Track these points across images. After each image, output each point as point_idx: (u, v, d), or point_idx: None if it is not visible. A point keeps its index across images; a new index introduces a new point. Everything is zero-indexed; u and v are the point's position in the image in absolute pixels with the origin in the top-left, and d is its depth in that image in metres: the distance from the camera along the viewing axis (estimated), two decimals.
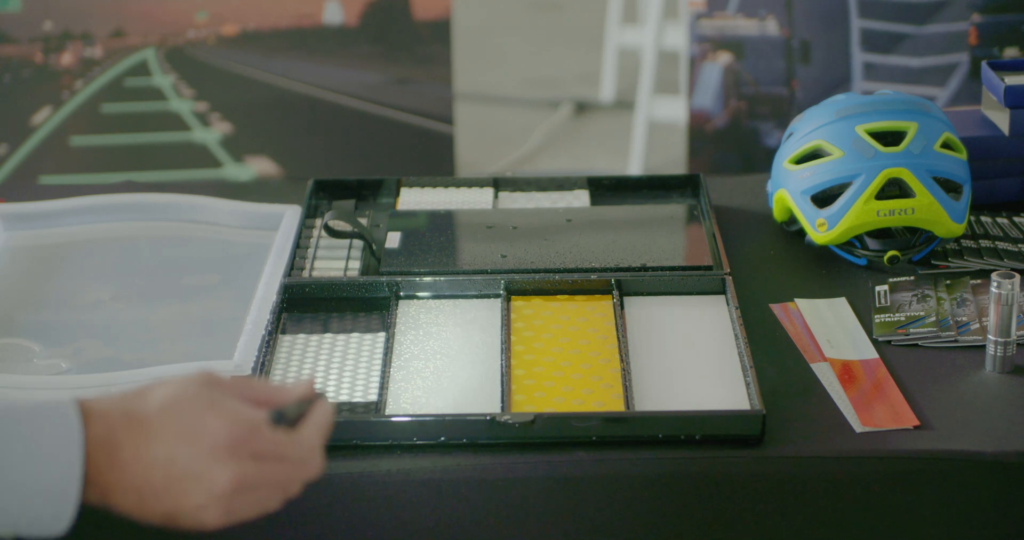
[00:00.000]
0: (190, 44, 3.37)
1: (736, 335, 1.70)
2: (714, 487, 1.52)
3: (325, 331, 1.74)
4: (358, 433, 1.54)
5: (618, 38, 4.47)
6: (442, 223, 1.97)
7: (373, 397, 1.62)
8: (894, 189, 1.86)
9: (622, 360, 1.65)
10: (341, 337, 1.73)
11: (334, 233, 1.92)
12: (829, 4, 3.34)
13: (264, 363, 1.66)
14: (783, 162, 1.92)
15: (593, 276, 1.81)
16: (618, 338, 1.70)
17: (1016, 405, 1.60)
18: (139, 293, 1.88)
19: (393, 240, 1.91)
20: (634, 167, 3.97)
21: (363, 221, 1.95)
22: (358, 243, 1.92)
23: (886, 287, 1.82)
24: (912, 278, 1.84)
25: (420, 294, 1.80)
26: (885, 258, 1.85)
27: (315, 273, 1.85)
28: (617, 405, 1.59)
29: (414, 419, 1.54)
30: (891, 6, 3.33)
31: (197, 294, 1.87)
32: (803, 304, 1.80)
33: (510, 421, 1.53)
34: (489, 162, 4.26)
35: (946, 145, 1.89)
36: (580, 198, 2.08)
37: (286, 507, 1.50)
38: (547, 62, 4.97)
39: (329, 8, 3.38)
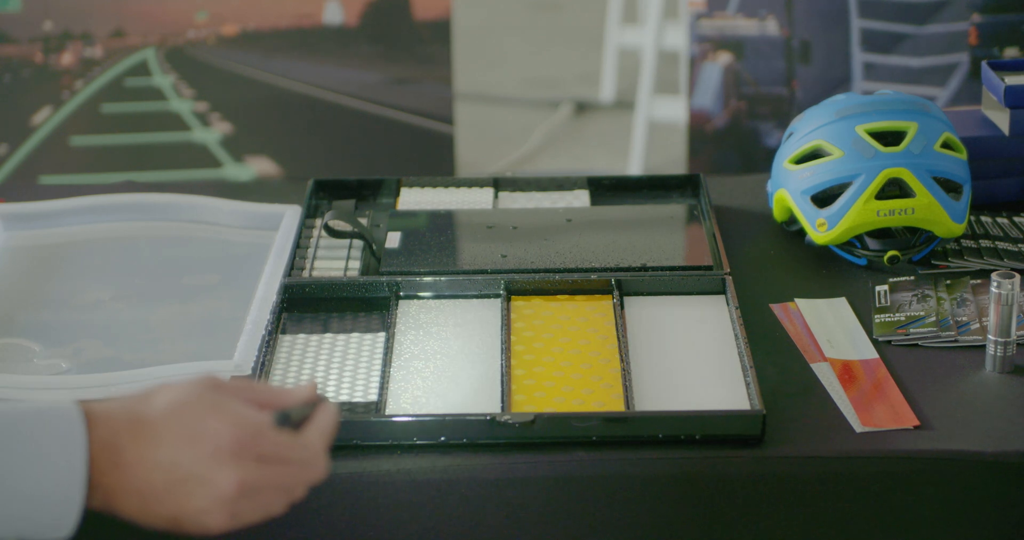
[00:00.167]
0: (190, 44, 3.37)
1: (736, 335, 1.70)
2: (714, 487, 1.52)
3: (325, 331, 1.74)
4: (358, 433, 1.54)
5: (618, 38, 4.47)
6: (442, 223, 1.97)
7: (373, 397, 1.62)
8: (894, 189, 1.86)
9: (622, 360, 1.65)
10: (341, 337, 1.73)
11: (334, 233, 1.92)
12: (829, 4, 3.34)
13: (264, 363, 1.66)
14: (783, 162, 1.92)
15: (593, 276, 1.81)
16: (618, 338, 1.70)
17: (1016, 405, 1.60)
18: (139, 293, 1.88)
19: (393, 240, 1.91)
20: (634, 167, 3.97)
21: (363, 221, 1.95)
22: (358, 243, 1.92)
23: (886, 287, 1.82)
24: (912, 278, 1.84)
25: (420, 294, 1.80)
26: (885, 258, 1.85)
27: (315, 273, 1.85)
28: (617, 405, 1.59)
29: (414, 419, 1.54)
30: (891, 6, 3.32)
31: (197, 294, 1.87)
32: (803, 304, 1.80)
33: (510, 421, 1.53)
34: (489, 162, 4.26)
35: (946, 145, 1.89)
36: (580, 198, 2.08)
37: (290, 507, 1.50)
38: (547, 62, 4.97)
39: (329, 8, 3.38)
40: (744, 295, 1.79)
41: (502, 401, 1.59)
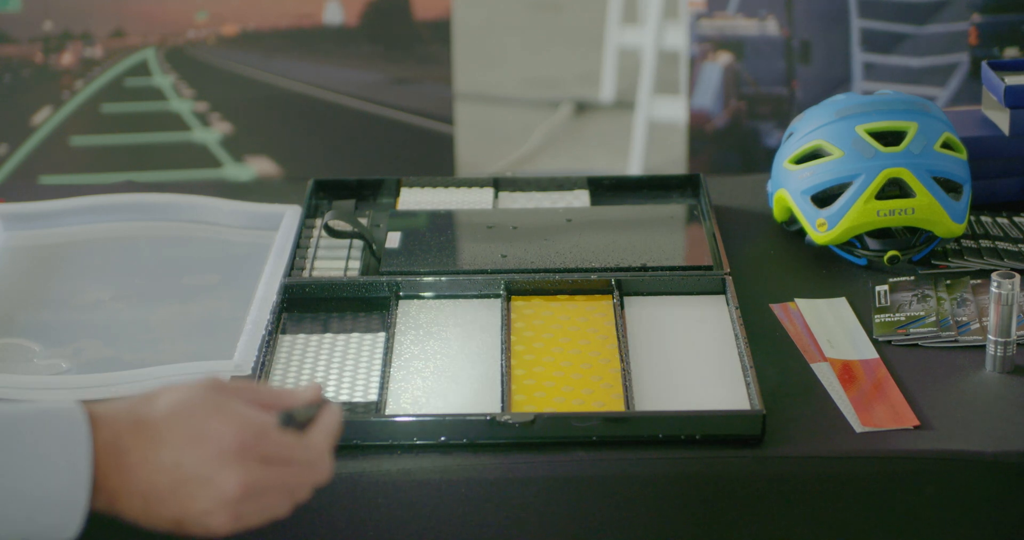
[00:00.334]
0: (190, 44, 3.37)
1: (736, 335, 1.70)
2: (714, 487, 1.52)
3: (325, 331, 1.74)
4: (358, 433, 1.54)
5: (618, 38, 4.47)
6: (442, 223, 1.97)
7: (373, 397, 1.62)
8: (894, 189, 1.86)
9: (622, 360, 1.65)
10: (341, 337, 1.73)
11: (334, 233, 1.92)
12: (829, 4, 3.34)
13: (264, 363, 1.66)
14: (783, 162, 1.92)
15: (593, 276, 1.81)
16: (618, 338, 1.70)
17: (1016, 405, 1.60)
18: (139, 293, 1.88)
19: (393, 240, 1.91)
20: (634, 167, 3.97)
21: (363, 221, 1.95)
22: (358, 243, 1.92)
23: (886, 287, 1.82)
24: (912, 278, 1.84)
25: (420, 294, 1.80)
26: (885, 258, 1.85)
27: (315, 273, 1.85)
28: (617, 405, 1.59)
29: (414, 419, 1.54)
30: (891, 6, 3.33)
31: (197, 294, 1.87)
32: (803, 304, 1.80)
33: (510, 421, 1.53)
34: (489, 162, 4.26)
35: (946, 145, 1.89)
36: (580, 198, 2.08)
37: (294, 509, 1.50)
38: (547, 62, 4.97)
39: (329, 8, 3.38)
40: (744, 295, 1.79)
41: (502, 401, 1.59)
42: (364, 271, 1.87)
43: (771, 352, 1.69)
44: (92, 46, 3.33)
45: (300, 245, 1.90)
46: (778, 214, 1.97)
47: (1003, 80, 2.01)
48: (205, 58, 3.38)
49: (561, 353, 1.69)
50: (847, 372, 1.66)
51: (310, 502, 1.50)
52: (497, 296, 1.80)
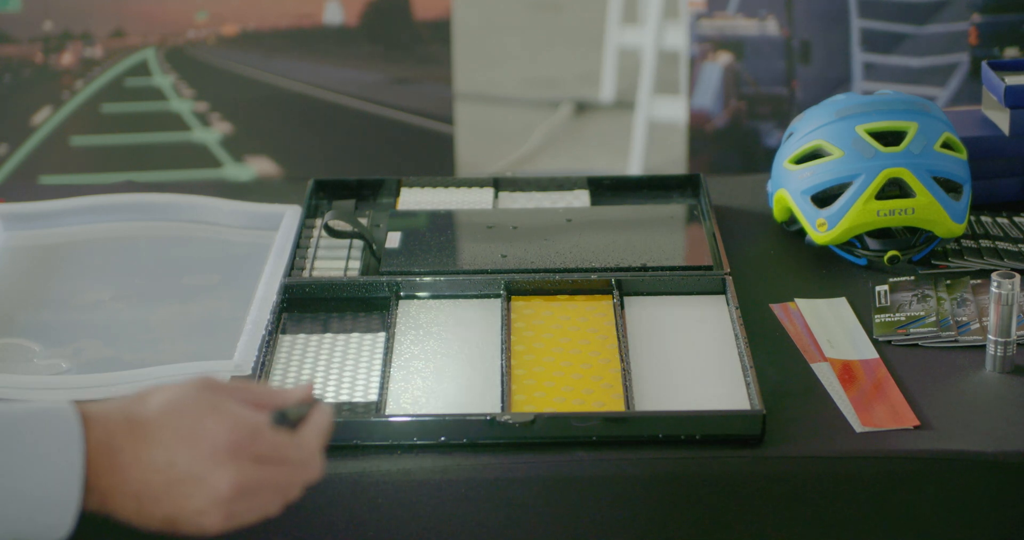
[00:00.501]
0: (190, 44, 3.37)
1: (736, 335, 1.70)
2: (714, 487, 1.52)
3: (325, 331, 1.74)
4: (358, 433, 1.54)
5: (618, 38, 4.47)
6: (442, 223, 1.97)
7: (373, 397, 1.62)
8: (894, 189, 1.86)
9: (622, 360, 1.65)
10: (341, 337, 1.73)
11: (334, 233, 1.92)
12: (829, 4, 3.34)
13: (264, 363, 1.66)
14: (783, 162, 1.92)
15: (593, 276, 1.81)
16: (618, 338, 1.70)
17: (1016, 405, 1.60)
18: (139, 293, 1.88)
19: (393, 240, 1.91)
20: (634, 167, 3.97)
21: (363, 221, 1.95)
22: (358, 243, 1.92)
23: (886, 287, 1.82)
24: (912, 278, 1.84)
25: (420, 294, 1.80)
26: (885, 258, 1.85)
27: (315, 273, 1.85)
28: (617, 405, 1.59)
29: (414, 419, 1.54)
30: (891, 6, 3.33)
31: (197, 294, 1.87)
32: (803, 304, 1.80)
33: (510, 421, 1.53)
34: (489, 162, 4.26)
35: (946, 145, 1.89)
36: (580, 198, 2.08)
37: (286, 507, 1.50)
38: (547, 62, 4.97)
39: (329, 8, 3.38)
40: (744, 295, 1.79)
41: (502, 401, 1.59)
42: (364, 271, 1.87)
43: (771, 352, 1.69)
44: (92, 46, 3.33)
45: (300, 245, 1.90)
46: (778, 214, 1.97)
47: (1003, 80, 2.01)
48: (205, 58, 3.38)
49: (561, 353, 1.69)
50: (847, 372, 1.66)
51: (311, 502, 1.50)
52: (497, 296, 1.80)
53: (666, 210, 2.03)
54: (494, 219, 1.99)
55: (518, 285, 1.80)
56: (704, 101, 3.44)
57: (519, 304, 1.78)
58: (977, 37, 3.32)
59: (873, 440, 1.54)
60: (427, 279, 1.81)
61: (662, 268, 1.83)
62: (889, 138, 1.87)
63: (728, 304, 1.77)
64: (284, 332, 1.74)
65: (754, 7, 3.36)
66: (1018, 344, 1.67)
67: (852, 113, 1.88)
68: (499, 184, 2.11)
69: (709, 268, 1.83)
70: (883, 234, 1.88)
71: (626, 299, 1.79)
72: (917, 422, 1.57)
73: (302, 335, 1.74)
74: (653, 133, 3.97)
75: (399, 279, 1.80)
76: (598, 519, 1.52)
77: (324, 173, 2.62)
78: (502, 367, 1.65)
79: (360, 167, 3.44)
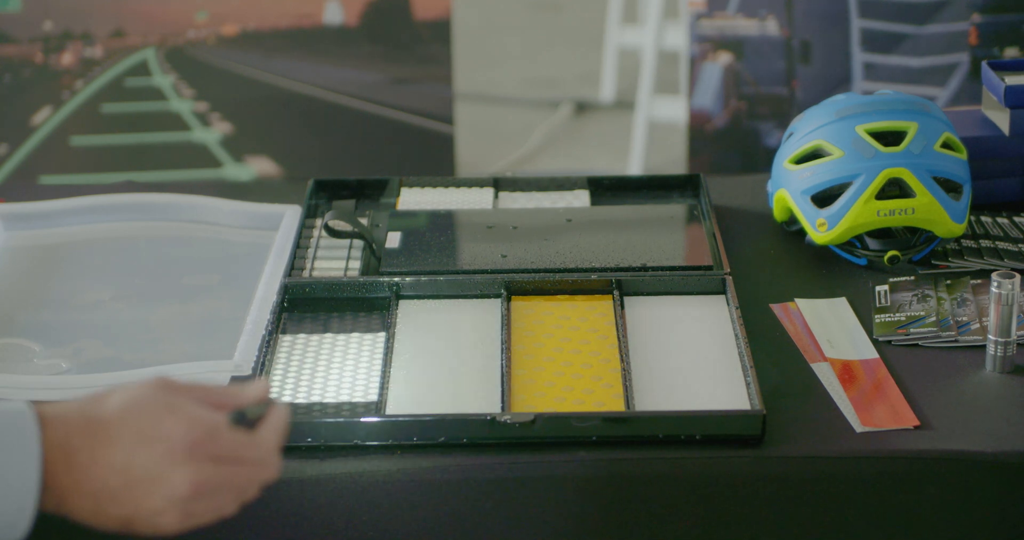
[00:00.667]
0: (190, 44, 3.37)
1: (736, 335, 1.70)
2: (714, 487, 1.52)
3: (325, 331, 1.74)
4: (358, 433, 1.54)
5: (618, 38, 4.47)
6: (442, 223, 1.97)
7: (373, 397, 1.62)
8: (894, 189, 1.86)
9: (622, 360, 1.65)
10: (341, 337, 1.73)
11: (334, 233, 1.92)
12: (829, 4, 3.34)
13: (264, 363, 1.66)
14: (783, 162, 1.92)
15: (593, 276, 1.81)
16: (618, 338, 1.70)
17: (1016, 405, 1.60)
18: (139, 293, 1.88)
19: (393, 240, 1.91)
20: (634, 167, 3.97)
21: (363, 221, 1.95)
22: (358, 243, 1.92)
23: (886, 287, 1.82)
24: (912, 278, 1.84)
25: (420, 294, 1.80)
26: (885, 258, 1.85)
27: (315, 273, 1.85)
28: (617, 405, 1.59)
29: (414, 419, 1.54)
30: (891, 6, 3.33)
31: (197, 294, 1.87)
32: (803, 304, 1.80)
33: (510, 421, 1.53)
34: (489, 162, 4.26)
35: (946, 145, 1.89)
36: (580, 198, 2.08)
37: (286, 507, 1.50)
38: (547, 62, 4.97)
39: (329, 8, 3.38)
40: (744, 295, 1.79)
41: (502, 401, 1.59)
42: (364, 271, 1.87)
43: (771, 352, 1.69)
44: (92, 46, 3.33)
45: (300, 245, 1.90)
46: (778, 214, 1.97)
47: (1003, 80, 2.01)
48: (205, 58, 3.38)
49: (561, 353, 1.69)
50: (847, 372, 1.66)
51: (310, 502, 1.50)
52: (497, 296, 1.80)
53: (666, 210, 2.03)
54: (494, 219, 1.98)
55: (518, 285, 1.80)
56: (704, 101, 3.44)
57: (519, 304, 1.78)
58: (977, 37, 3.32)
59: (873, 440, 1.54)
60: (427, 279, 1.81)
61: (662, 268, 1.83)
62: (889, 138, 1.87)
63: (728, 304, 1.77)
64: (284, 332, 1.74)
65: (754, 7, 3.36)
66: (1018, 344, 1.67)
67: (852, 113, 1.88)
68: (499, 184, 2.11)
69: (709, 268, 1.83)
70: (883, 234, 1.88)
71: (626, 299, 1.79)
72: (917, 422, 1.57)
73: (302, 335, 1.74)
74: (653, 133, 3.97)
75: (399, 279, 1.80)
76: (598, 519, 1.52)
77: (324, 173, 2.61)
78: (502, 367, 1.65)
79: (360, 167, 3.43)
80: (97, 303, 1.85)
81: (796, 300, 1.80)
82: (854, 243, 1.89)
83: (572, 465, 1.52)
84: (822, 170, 1.87)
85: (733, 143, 3.45)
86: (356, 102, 3.45)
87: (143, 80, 3.38)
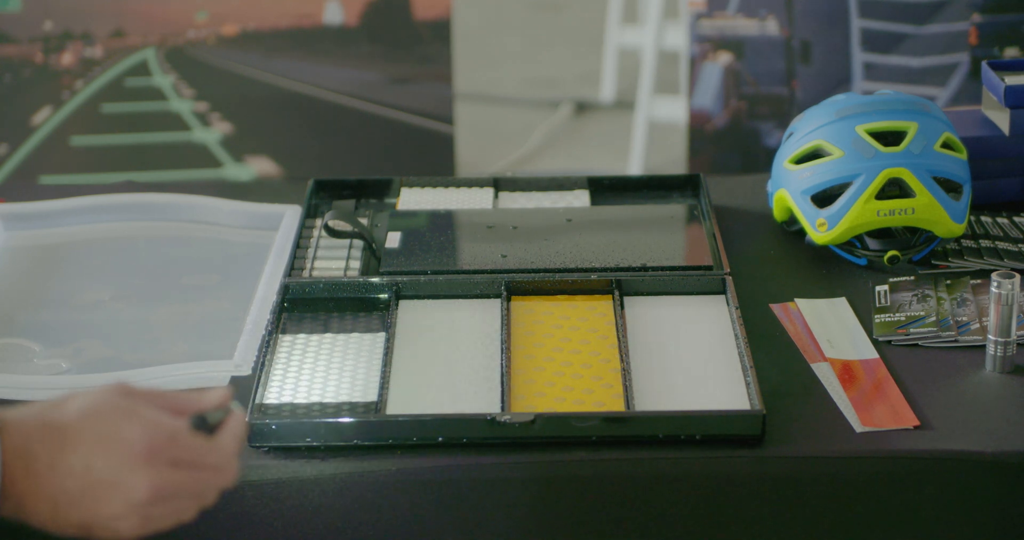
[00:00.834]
0: (190, 44, 3.37)
1: (736, 335, 1.70)
2: (714, 487, 1.52)
3: (325, 331, 1.74)
4: (358, 433, 1.54)
5: (618, 38, 4.47)
6: (442, 223, 1.97)
7: (373, 397, 1.62)
8: (894, 189, 1.86)
9: (622, 360, 1.65)
10: (341, 337, 1.73)
11: (334, 233, 1.92)
12: (829, 4, 3.34)
13: (264, 363, 1.66)
14: (783, 162, 1.92)
15: (593, 276, 1.81)
16: (618, 338, 1.70)
17: (1016, 405, 1.60)
18: (139, 293, 1.88)
19: (393, 240, 1.91)
20: (634, 167, 3.97)
21: (363, 221, 1.95)
22: (358, 243, 1.92)
23: (886, 287, 1.82)
24: (912, 278, 1.84)
25: (420, 294, 1.80)
26: (885, 258, 1.85)
27: (315, 273, 1.85)
28: (617, 405, 1.59)
29: (414, 419, 1.54)
30: (891, 6, 3.32)
31: (197, 294, 1.87)
32: (803, 304, 1.80)
33: (510, 421, 1.53)
34: (489, 162, 4.26)
35: (946, 145, 1.89)
36: (580, 198, 2.08)
37: (286, 507, 1.50)
38: (547, 62, 4.97)
39: (329, 8, 3.38)
40: (744, 295, 1.79)
41: (502, 401, 1.59)
42: (364, 271, 1.87)
43: (771, 352, 1.69)
44: (92, 46, 3.33)
45: (300, 245, 1.90)
46: (778, 214, 1.97)
47: (1003, 80, 2.01)
48: (205, 58, 3.38)
49: (561, 353, 1.69)
50: (847, 372, 1.66)
51: (310, 501, 1.50)
52: (497, 296, 1.80)
53: (666, 210, 2.03)
54: (494, 219, 1.98)
55: (518, 285, 1.80)
56: (704, 101, 3.44)
57: (519, 304, 1.78)
58: (977, 37, 3.32)
59: (873, 440, 1.54)
60: (427, 279, 1.81)
61: (662, 268, 1.83)
62: (889, 138, 1.87)
63: (728, 304, 1.77)
64: (284, 332, 1.74)
65: (754, 7, 3.36)
66: (1018, 344, 1.67)
67: (852, 113, 1.88)
68: (499, 184, 2.11)
69: (709, 268, 1.83)
70: (883, 234, 1.88)
71: (626, 299, 1.79)
72: (917, 422, 1.57)
73: (302, 335, 1.74)
74: (653, 133, 3.97)
75: (399, 279, 1.80)
76: (598, 519, 1.52)
77: (324, 173, 2.61)
78: (502, 367, 1.65)
79: (360, 167, 3.43)
80: (97, 303, 1.85)
81: (796, 300, 1.80)
82: (854, 243, 1.89)
83: (572, 465, 1.52)
84: (822, 170, 1.87)
85: (733, 143, 3.45)
86: (356, 102, 3.45)
87: (143, 80, 3.38)
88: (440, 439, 1.54)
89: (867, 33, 3.35)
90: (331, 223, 1.93)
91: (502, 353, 1.67)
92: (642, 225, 1.96)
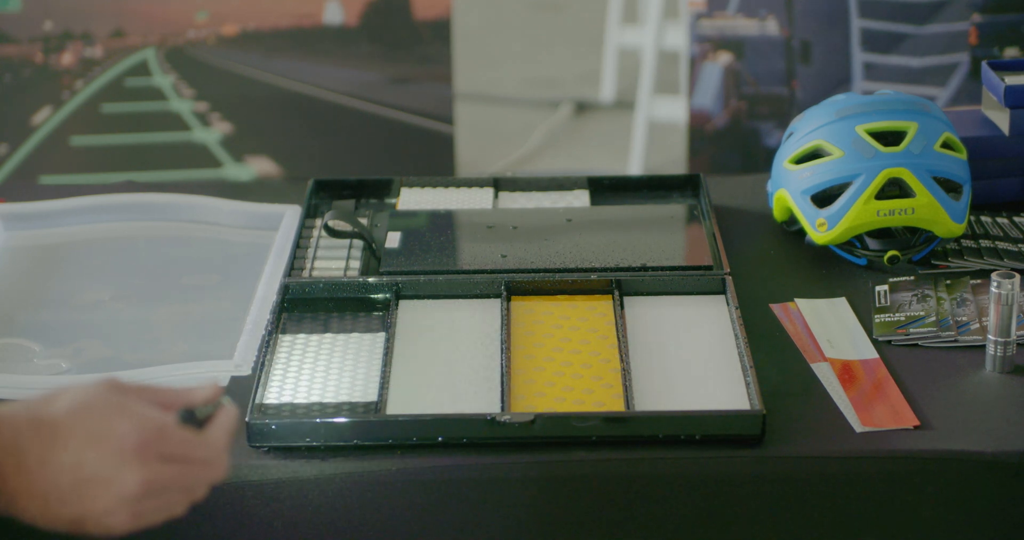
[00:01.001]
0: (190, 44, 3.37)
1: (736, 335, 1.70)
2: (714, 487, 1.52)
3: (325, 331, 1.74)
4: (358, 433, 1.54)
5: (618, 38, 4.47)
6: (442, 223, 1.97)
7: (373, 397, 1.62)
8: (894, 189, 1.86)
9: (622, 360, 1.65)
10: (341, 337, 1.73)
11: (334, 233, 1.92)
12: (829, 4, 3.34)
13: (264, 363, 1.66)
14: (783, 162, 1.92)
15: (593, 276, 1.81)
16: (618, 338, 1.70)
17: (1016, 405, 1.60)
18: (139, 293, 1.88)
19: (393, 240, 1.91)
20: (634, 167, 3.97)
21: (363, 221, 1.95)
22: (358, 243, 1.92)
23: (886, 287, 1.82)
24: (912, 278, 1.84)
25: (420, 294, 1.80)
26: (885, 258, 1.85)
27: (315, 273, 1.85)
28: (617, 405, 1.59)
29: (414, 419, 1.54)
30: (891, 6, 3.32)
31: (197, 294, 1.87)
32: (803, 304, 1.80)
33: (510, 421, 1.53)
34: (489, 162, 4.26)
35: (946, 145, 1.89)
36: (580, 198, 2.08)
37: (286, 507, 1.50)
38: (547, 62, 4.97)
39: (329, 8, 3.38)
40: (744, 295, 1.79)
41: (502, 401, 1.59)
42: (364, 271, 1.87)
43: (771, 352, 1.69)
44: (92, 46, 3.33)
45: (300, 245, 1.90)
46: (778, 214, 1.97)
47: (1003, 80, 2.01)
48: (205, 58, 3.38)
49: (561, 353, 1.69)
50: (847, 372, 1.66)
51: (310, 501, 1.50)
52: (497, 296, 1.80)
53: (666, 210, 2.03)
54: (494, 219, 1.98)
55: (518, 285, 1.80)
56: (704, 101, 3.44)
57: (519, 304, 1.78)
58: (977, 37, 3.32)
59: (873, 440, 1.54)
60: (427, 279, 1.81)
61: (662, 268, 1.83)
62: (889, 138, 1.87)
63: (728, 304, 1.77)
64: (284, 332, 1.74)
65: (754, 7, 3.36)
66: (1018, 344, 1.67)
67: (852, 113, 1.88)
68: (499, 184, 2.11)
69: (709, 268, 1.83)
70: (883, 234, 1.88)
71: (626, 299, 1.79)
72: (917, 422, 1.57)
73: (302, 335, 1.74)
74: (653, 133, 3.97)
75: (399, 279, 1.80)
76: (598, 519, 1.52)
77: (324, 173, 2.61)
78: (502, 367, 1.65)
79: (360, 167, 3.43)
80: (97, 303, 1.85)
81: (796, 300, 1.80)
82: (854, 243, 1.89)
83: (572, 465, 1.52)
84: (822, 170, 1.87)
85: (733, 143, 3.45)
86: (356, 102, 3.45)
87: (143, 80, 3.38)
88: (440, 439, 1.54)
89: (867, 33, 3.35)
90: (331, 223, 1.93)
91: (502, 353, 1.67)
92: (642, 225, 1.96)
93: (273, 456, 1.53)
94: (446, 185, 2.10)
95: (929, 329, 1.73)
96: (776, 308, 1.79)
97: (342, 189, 2.07)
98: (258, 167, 3.43)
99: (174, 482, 1.23)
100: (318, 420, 1.54)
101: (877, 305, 1.79)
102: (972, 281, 1.82)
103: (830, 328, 1.74)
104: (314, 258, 1.88)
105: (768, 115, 3.43)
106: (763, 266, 1.91)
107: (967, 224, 1.94)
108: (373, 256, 1.90)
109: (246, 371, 1.67)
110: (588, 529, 1.52)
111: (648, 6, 4.07)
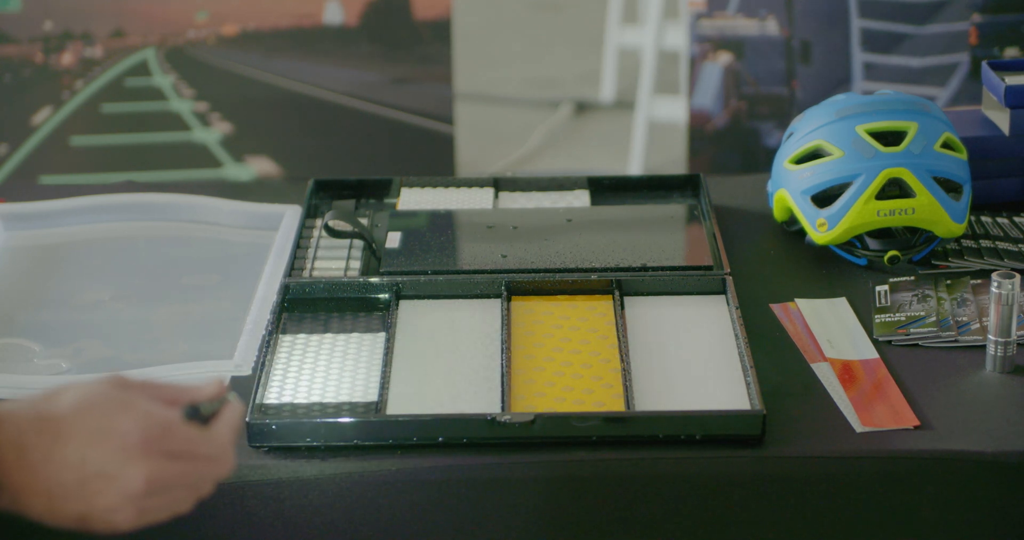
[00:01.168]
0: (190, 44, 3.37)
1: (736, 335, 1.70)
2: (714, 487, 1.52)
3: (325, 331, 1.74)
4: (358, 433, 1.54)
5: (618, 38, 4.47)
6: (442, 223, 1.97)
7: (373, 397, 1.62)
8: (894, 189, 1.86)
9: (622, 360, 1.65)
10: (341, 337, 1.73)
11: (334, 233, 1.92)
12: (829, 4, 3.34)
13: (264, 363, 1.66)
14: (783, 162, 1.92)
15: (593, 276, 1.81)
16: (618, 338, 1.70)
17: (1016, 405, 1.60)
18: (139, 293, 1.88)
19: (393, 240, 1.91)
20: (634, 167, 3.97)
21: (363, 221, 1.95)
22: (358, 243, 1.92)
23: (886, 287, 1.82)
24: (912, 278, 1.84)
25: (420, 294, 1.80)
26: (885, 258, 1.85)
27: (315, 273, 1.85)
28: (617, 405, 1.59)
29: (414, 419, 1.54)
30: (891, 6, 3.32)
31: (197, 294, 1.87)
32: (803, 304, 1.80)
33: (510, 421, 1.53)
34: (489, 162, 4.26)
35: (946, 145, 1.89)
36: (580, 198, 2.08)
37: (287, 506, 1.50)
38: (547, 62, 4.97)
39: (329, 8, 3.38)
40: (744, 295, 1.79)
41: (502, 401, 1.59)
42: (364, 271, 1.87)
43: (771, 352, 1.69)
44: (92, 46, 3.33)
45: (300, 245, 1.90)
46: (778, 214, 1.97)
47: (1003, 80, 2.01)
48: (205, 58, 3.38)
49: (561, 353, 1.69)
50: (847, 372, 1.66)
51: (310, 501, 1.50)
52: (497, 296, 1.80)
53: (666, 210, 2.03)
54: (494, 219, 1.99)
55: (518, 285, 1.80)
56: (704, 101, 3.44)
57: (519, 304, 1.78)
58: (977, 37, 3.32)
59: (873, 440, 1.54)
60: (427, 279, 1.81)
61: (662, 268, 1.83)
62: (889, 138, 1.87)
63: (728, 304, 1.77)
64: (284, 332, 1.74)
65: (754, 7, 3.36)
66: (1018, 344, 1.67)
67: (852, 113, 1.88)
68: (499, 184, 2.11)
69: (709, 268, 1.83)
70: (883, 234, 1.88)
71: (626, 299, 1.79)
72: (917, 422, 1.57)
73: (302, 335, 1.74)
74: (653, 133, 3.97)
75: (399, 279, 1.80)
76: (598, 519, 1.52)
77: (324, 173, 2.61)
78: (502, 367, 1.65)
79: (360, 167, 3.43)
80: (97, 303, 1.85)
81: (796, 300, 1.80)
82: (854, 243, 1.89)
83: (572, 465, 1.52)
84: (822, 170, 1.87)
85: (733, 143, 3.45)
86: (356, 102, 3.45)
87: (143, 80, 3.38)
88: (440, 439, 1.54)
89: (867, 33, 3.35)
90: (331, 223, 1.93)
91: (502, 353, 1.67)
92: (642, 225, 1.96)
93: (273, 456, 1.53)
94: (446, 185, 2.10)
95: (929, 329, 1.73)
96: (776, 308, 1.79)
97: (342, 189, 2.07)
98: (258, 167, 3.43)
99: (179, 479, 1.22)
100: (318, 420, 1.54)
101: (877, 305, 1.79)
102: (972, 281, 1.82)
103: (830, 328, 1.74)
104: (314, 258, 1.88)
105: (768, 115, 3.43)
106: (763, 266, 1.91)
107: (967, 224, 1.94)
108: (373, 256, 1.90)
109: (246, 371, 1.67)
110: (588, 529, 1.52)
111: (648, 6, 4.07)
